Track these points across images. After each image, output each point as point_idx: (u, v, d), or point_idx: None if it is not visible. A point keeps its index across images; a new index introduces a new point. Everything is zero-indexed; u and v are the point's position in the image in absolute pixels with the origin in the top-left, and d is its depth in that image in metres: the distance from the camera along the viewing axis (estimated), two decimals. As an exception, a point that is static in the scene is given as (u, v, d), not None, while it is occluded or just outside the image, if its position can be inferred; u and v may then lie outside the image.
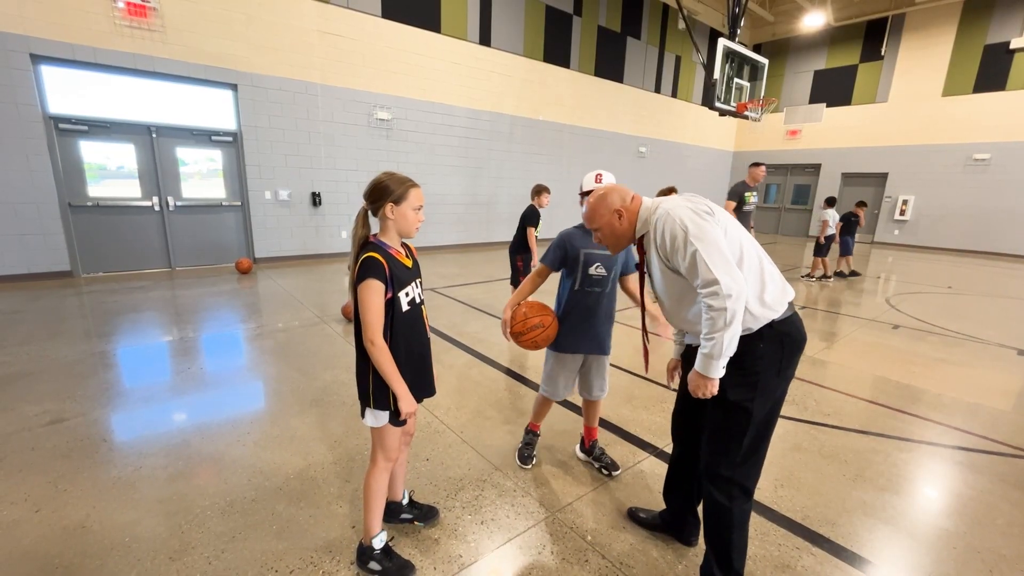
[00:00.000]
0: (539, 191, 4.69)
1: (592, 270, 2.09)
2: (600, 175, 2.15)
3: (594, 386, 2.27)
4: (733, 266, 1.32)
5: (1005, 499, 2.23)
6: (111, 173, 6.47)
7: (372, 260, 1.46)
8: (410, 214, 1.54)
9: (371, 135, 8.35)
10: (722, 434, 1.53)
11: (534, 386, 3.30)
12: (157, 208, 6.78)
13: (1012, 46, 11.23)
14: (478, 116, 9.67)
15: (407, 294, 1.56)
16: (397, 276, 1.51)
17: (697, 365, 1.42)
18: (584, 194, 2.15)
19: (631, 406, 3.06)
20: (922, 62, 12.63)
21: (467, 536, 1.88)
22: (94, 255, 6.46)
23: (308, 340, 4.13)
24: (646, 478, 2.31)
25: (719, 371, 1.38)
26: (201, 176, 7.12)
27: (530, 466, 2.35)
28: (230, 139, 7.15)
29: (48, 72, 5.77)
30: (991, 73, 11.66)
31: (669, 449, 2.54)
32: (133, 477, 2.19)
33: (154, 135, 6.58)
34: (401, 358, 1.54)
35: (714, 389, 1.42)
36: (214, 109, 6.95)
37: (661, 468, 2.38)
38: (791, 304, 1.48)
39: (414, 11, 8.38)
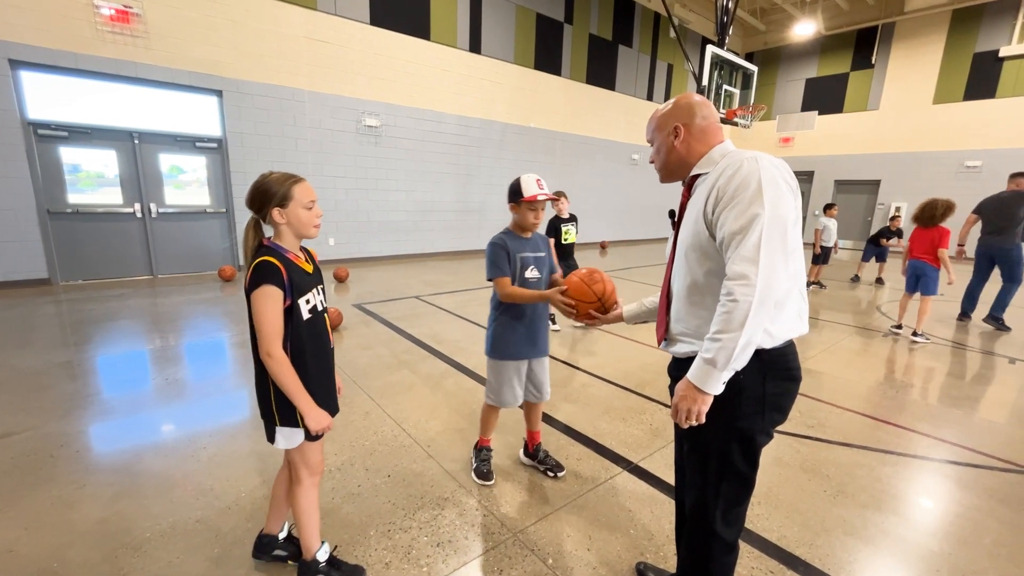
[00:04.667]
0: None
1: (528, 273, 2.08)
2: (540, 180, 2.04)
3: (542, 387, 2.26)
4: (783, 262, 1.06)
5: (992, 516, 2.13)
6: (92, 179, 6.38)
7: (267, 264, 1.33)
8: (302, 213, 1.41)
9: (360, 142, 8.30)
10: (699, 478, 1.31)
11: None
12: (139, 215, 6.69)
13: (1001, 54, 11.31)
14: (469, 123, 9.64)
15: (308, 301, 1.43)
16: (296, 282, 1.39)
17: (692, 374, 1.12)
18: (513, 196, 2.04)
19: (608, 418, 2.95)
20: (913, 70, 12.70)
21: (420, 559, 1.77)
22: (73, 262, 6.34)
23: (283, 349, 4.01)
24: (618, 495, 2.20)
25: (718, 386, 1.10)
26: (185, 183, 7.04)
27: (492, 482, 2.24)
28: (215, 145, 7.08)
29: (28, 78, 5.70)
30: (981, 81, 11.72)
31: (645, 464, 2.45)
32: (75, 496, 2.07)
33: (136, 141, 6.50)
34: (305, 372, 1.42)
35: (704, 410, 1.13)
36: (199, 115, 6.88)
37: (635, 484, 2.28)
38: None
39: (403, 18, 8.37)
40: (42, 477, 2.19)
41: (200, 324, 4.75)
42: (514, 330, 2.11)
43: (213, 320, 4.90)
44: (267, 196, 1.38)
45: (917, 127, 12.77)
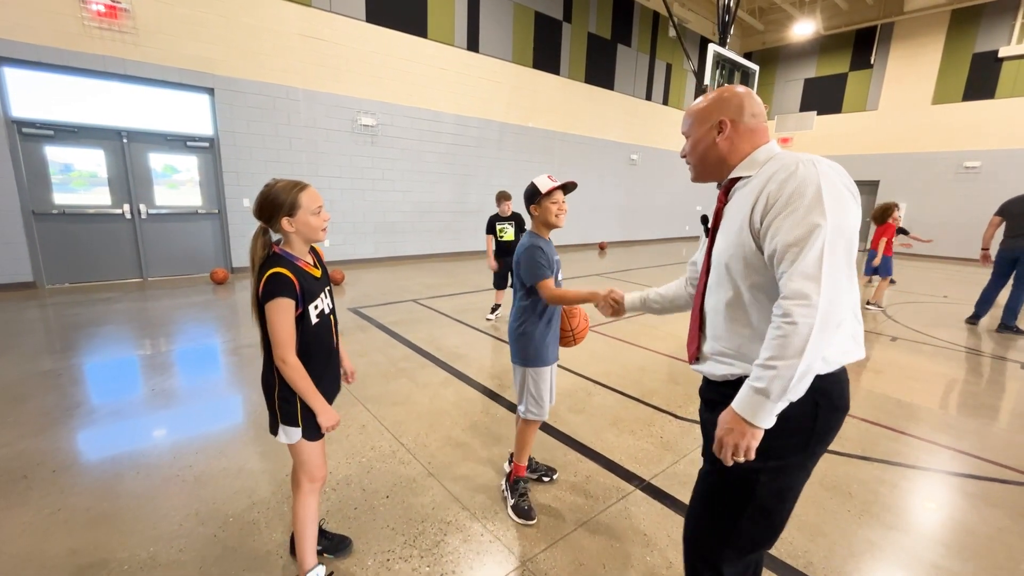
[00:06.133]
0: (502, 198, 5.07)
1: (560, 276, 2.05)
2: (551, 175, 2.00)
3: (552, 394, 2.15)
4: (847, 280, 0.94)
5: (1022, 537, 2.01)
6: (79, 179, 6.19)
7: (280, 277, 1.36)
8: (311, 219, 1.43)
9: (355, 141, 8.14)
10: (711, 501, 1.19)
11: (513, 406, 3.05)
12: (128, 216, 6.50)
13: (1000, 54, 11.27)
14: (466, 123, 9.49)
15: (316, 306, 1.49)
16: (306, 289, 1.44)
17: (738, 403, 0.99)
18: (531, 198, 1.98)
19: (616, 430, 2.82)
20: (911, 70, 12.65)
21: (422, 594, 1.63)
22: (60, 265, 6.15)
23: (276, 357, 3.86)
24: (631, 516, 2.07)
25: (771, 419, 0.96)
26: (176, 183, 6.86)
27: (534, 521, 1.99)
28: (207, 145, 6.90)
29: (11, 75, 5.51)
30: (980, 81, 11.68)
31: (657, 481, 2.32)
32: (48, 522, 1.92)
33: (125, 140, 6.32)
34: (313, 372, 1.47)
35: (753, 445, 0.99)
36: (190, 114, 6.70)
37: (648, 504, 2.15)
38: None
39: (399, 15, 8.21)
40: (12, 501, 2.04)
41: (191, 330, 4.59)
42: (549, 332, 2.04)
43: (204, 325, 4.74)
44: (275, 206, 1.39)
45: (916, 127, 12.73)
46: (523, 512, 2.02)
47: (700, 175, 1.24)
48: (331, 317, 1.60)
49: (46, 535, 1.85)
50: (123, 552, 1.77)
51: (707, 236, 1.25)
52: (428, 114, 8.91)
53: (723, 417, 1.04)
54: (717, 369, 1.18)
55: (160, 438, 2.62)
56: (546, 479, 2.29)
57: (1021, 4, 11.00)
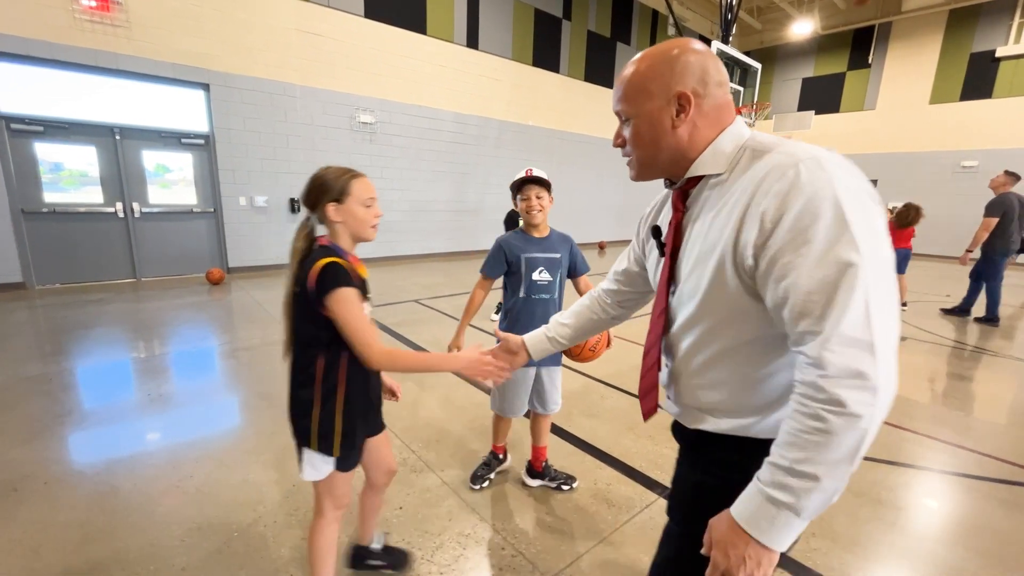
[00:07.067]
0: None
1: (536, 275, 1.98)
2: (529, 169, 1.96)
3: (548, 399, 2.12)
4: (897, 328, 0.67)
5: (1067, 546, 1.93)
6: (70, 177, 6.02)
7: (336, 266, 1.21)
8: (360, 211, 1.30)
9: (353, 139, 8.00)
10: (682, 571, 0.93)
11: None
12: (121, 215, 6.33)
13: (998, 54, 11.30)
14: (465, 120, 9.38)
15: (363, 308, 1.31)
16: (358, 288, 1.26)
17: (746, 517, 0.70)
18: (519, 186, 1.95)
19: (633, 435, 2.73)
20: (909, 70, 12.68)
21: (445, 616, 1.53)
22: (50, 265, 5.98)
23: (276, 360, 3.73)
24: (657, 527, 1.97)
25: (788, 539, 0.68)
26: (170, 181, 6.69)
27: (477, 487, 2.16)
28: (202, 142, 6.74)
29: (-2, 68, 5.34)
30: (977, 81, 11.71)
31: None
32: (39, 538, 1.79)
33: (118, 137, 6.15)
34: (354, 389, 1.31)
35: (770, 572, 0.71)
36: (184, 110, 6.54)
37: (673, 513, 2.05)
38: None
39: (398, 11, 8.08)
40: (1, 515, 1.91)
41: (186, 332, 4.44)
42: (515, 329, 1.94)
43: (200, 327, 4.60)
44: (322, 190, 1.27)
45: (914, 127, 12.76)
46: (473, 477, 2.19)
47: (645, 172, 0.90)
48: (373, 324, 1.46)
49: (37, 552, 1.72)
50: (121, 571, 1.65)
51: (661, 254, 0.93)
52: (427, 112, 8.79)
53: (720, 528, 0.74)
54: (699, 424, 0.90)
55: (157, 446, 2.49)
56: (565, 487, 2.19)
57: (1019, 4, 11.04)
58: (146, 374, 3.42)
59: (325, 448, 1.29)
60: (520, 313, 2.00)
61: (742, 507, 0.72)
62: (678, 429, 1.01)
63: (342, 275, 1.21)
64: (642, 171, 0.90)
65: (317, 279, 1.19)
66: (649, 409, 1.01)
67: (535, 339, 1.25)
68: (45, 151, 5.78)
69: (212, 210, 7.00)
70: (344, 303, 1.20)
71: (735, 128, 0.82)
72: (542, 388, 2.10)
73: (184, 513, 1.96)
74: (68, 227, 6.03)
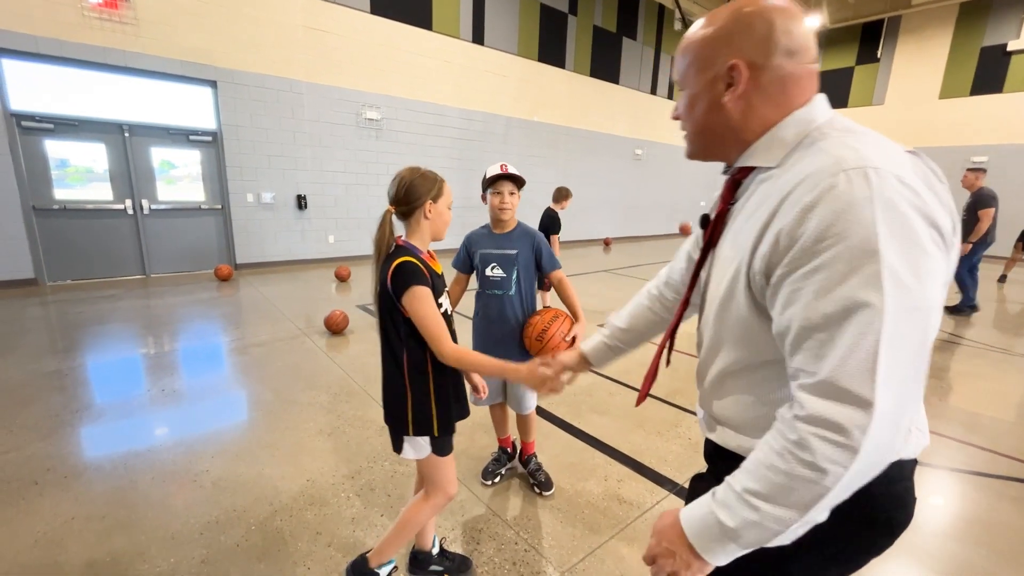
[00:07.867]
0: (563, 195, 4.72)
1: (488, 271, 1.99)
2: (505, 165, 1.95)
3: (521, 400, 2.08)
4: (917, 390, 0.59)
5: (1079, 544, 1.94)
6: (80, 174, 6.07)
7: (411, 265, 1.28)
8: (446, 212, 1.42)
9: (360, 135, 8.01)
10: None
11: (538, 407, 2.96)
12: (131, 211, 6.38)
13: (1009, 48, 11.15)
14: (471, 116, 9.37)
15: (440, 304, 1.37)
16: (435, 285, 1.35)
17: (690, 522, 0.67)
18: (493, 181, 1.96)
19: (643, 432, 2.74)
20: (919, 64, 12.54)
21: (461, 609, 1.55)
22: (61, 262, 6.04)
23: (287, 355, 3.77)
24: (668, 523, 1.99)
25: (726, 559, 0.65)
26: (178, 177, 6.74)
27: (490, 482, 2.20)
28: (209, 139, 6.78)
29: (9, 66, 5.38)
30: (988, 75, 11.57)
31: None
32: (62, 532, 1.83)
33: (127, 134, 6.19)
34: (439, 383, 1.37)
35: None
36: (192, 107, 6.57)
37: (684, 510, 2.07)
38: None
39: (404, 7, 8.07)
40: (23, 509, 1.95)
41: (197, 327, 4.49)
42: (485, 327, 2.02)
43: (210, 323, 4.64)
44: (424, 188, 1.34)
45: (923, 122, 12.64)
46: (484, 473, 2.23)
47: (698, 150, 0.81)
48: (451, 319, 1.48)
49: (61, 545, 1.76)
50: (143, 564, 1.68)
51: (704, 247, 0.84)
52: (433, 107, 8.78)
53: (662, 523, 0.71)
54: (709, 429, 0.88)
55: (173, 441, 2.53)
56: (536, 491, 2.16)
57: (1031, -4, 10.88)
58: (160, 370, 3.46)
59: (422, 429, 1.36)
60: (480, 307, 2.05)
61: (690, 512, 0.68)
62: (706, 445, 0.96)
63: (416, 274, 1.27)
64: (691, 149, 0.82)
65: (392, 278, 1.27)
66: (642, 395, 1.02)
67: (596, 348, 1.18)
68: (56, 148, 5.83)
69: (220, 207, 7.04)
70: (417, 300, 1.26)
71: (807, 111, 0.68)
72: (513, 389, 2.08)
73: (202, 507, 2.00)
74: (79, 224, 6.09)
